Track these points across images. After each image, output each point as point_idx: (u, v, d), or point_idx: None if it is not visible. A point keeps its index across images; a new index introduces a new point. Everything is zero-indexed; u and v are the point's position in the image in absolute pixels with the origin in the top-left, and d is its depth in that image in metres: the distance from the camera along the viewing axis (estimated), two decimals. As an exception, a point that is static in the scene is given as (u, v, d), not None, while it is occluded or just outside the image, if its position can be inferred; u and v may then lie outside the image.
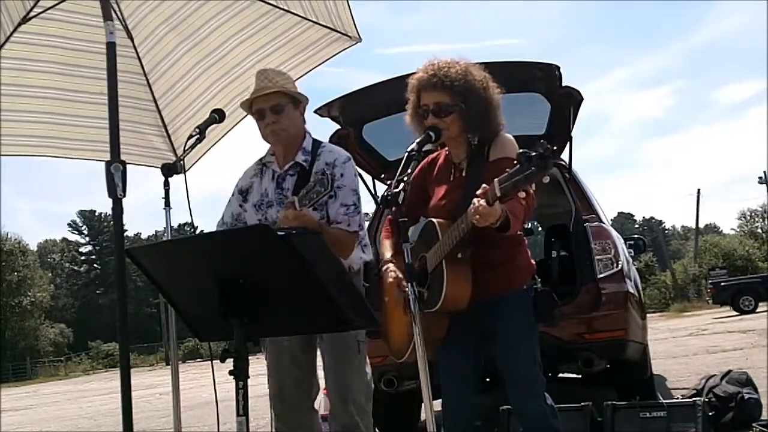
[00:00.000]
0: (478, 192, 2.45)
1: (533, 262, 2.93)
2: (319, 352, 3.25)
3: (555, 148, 5.72)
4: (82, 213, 75.58)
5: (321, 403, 3.31)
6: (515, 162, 2.30)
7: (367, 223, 5.41)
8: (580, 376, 6.03)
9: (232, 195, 3.39)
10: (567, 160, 5.55)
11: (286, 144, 3.23)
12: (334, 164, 3.14)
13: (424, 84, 2.85)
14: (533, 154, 2.24)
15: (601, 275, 4.68)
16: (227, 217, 3.37)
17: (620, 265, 4.74)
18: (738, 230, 58.87)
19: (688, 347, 11.69)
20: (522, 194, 2.35)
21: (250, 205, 3.31)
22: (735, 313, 22.77)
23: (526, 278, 2.83)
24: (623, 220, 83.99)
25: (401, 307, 2.85)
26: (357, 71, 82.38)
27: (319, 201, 2.90)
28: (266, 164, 3.32)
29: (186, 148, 3.30)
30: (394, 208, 2.73)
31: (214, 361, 2.55)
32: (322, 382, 3.30)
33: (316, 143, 3.27)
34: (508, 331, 2.78)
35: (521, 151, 2.29)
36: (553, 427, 2.77)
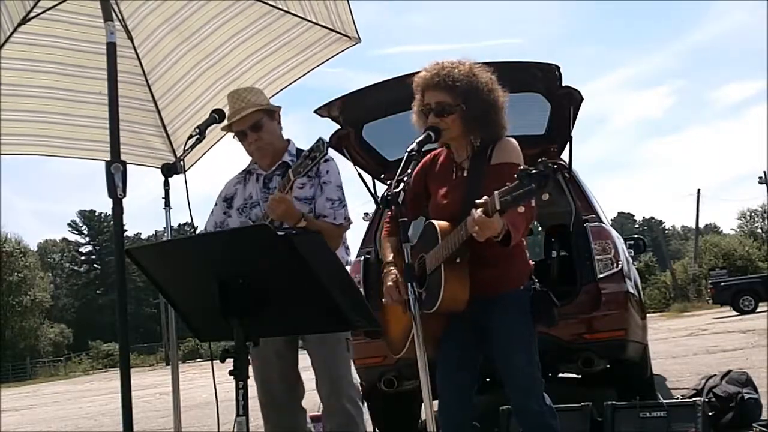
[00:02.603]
0: (478, 201, 2.46)
1: (531, 262, 2.93)
2: (307, 354, 3.28)
3: (555, 148, 5.73)
4: (82, 213, 75.63)
5: (316, 405, 3.32)
6: (516, 177, 2.31)
7: (367, 224, 5.44)
8: (580, 376, 6.03)
9: (215, 205, 3.47)
10: (567, 160, 5.55)
11: (271, 154, 3.35)
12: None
13: (427, 83, 2.86)
14: (533, 171, 2.26)
15: (601, 275, 4.68)
16: (209, 227, 3.44)
17: (620, 265, 4.74)
18: (738, 230, 59.11)
19: (688, 347, 11.69)
20: (521, 209, 2.37)
21: (234, 210, 3.40)
22: (735, 313, 22.78)
23: (524, 278, 2.84)
24: (623, 220, 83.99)
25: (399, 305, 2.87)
26: (357, 71, 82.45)
27: (314, 167, 2.98)
28: (251, 171, 3.43)
29: (186, 148, 3.33)
30: (393, 208, 2.74)
31: (214, 361, 2.56)
32: (307, 384, 3.31)
33: (300, 150, 3.34)
34: (505, 332, 2.79)
35: (522, 168, 2.32)
36: (552, 427, 2.77)
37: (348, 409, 3.12)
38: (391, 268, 2.90)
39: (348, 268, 3.47)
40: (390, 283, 2.85)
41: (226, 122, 3.34)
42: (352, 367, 3.27)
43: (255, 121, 3.27)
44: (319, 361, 3.18)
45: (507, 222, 2.50)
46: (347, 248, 3.37)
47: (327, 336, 3.11)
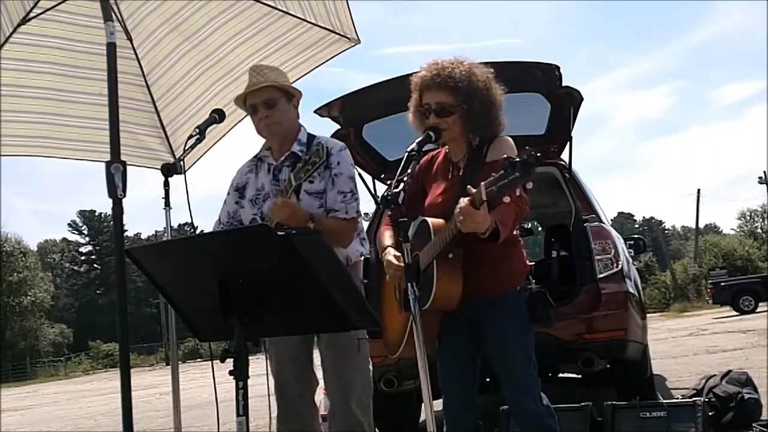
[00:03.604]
0: (468, 189, 2.46)
1: (528, 262, 2.93)
2: (317, 352, 3.25)
3: (555, 148, 5.73)
4: (82, 213, 75.64)
5: (321, 403, 3.30)
6: (501, 167, 2.31)
7: (366, 224, 5.44)
8: (580, 376, 6.03)
9: (228, 194, 3.40)
10: (567, 160, 5.56)
11: (280, 138, 3.24)
12: (330, 152, 3.13)
13: (427, 83, 2.85)
14: (517, 160, 2.26)
15: (601, 275, 4.68)
16: (223, 217, 3.38)
17: (620, 265, 4.74)
18: (738, 230, 59.11)
19: (688, 347, 11.69)
20: (507, 199, 2.35)
21: (247, 201, 3.32)
22: (735, 313, 22.78)
23: (521, 279, 2.83)
24: (623, 220, 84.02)
25: (396, 293, 2.90)
26: (357, 71, 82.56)
27: (315, 172, 2.92)
28: (261, 159, 3.33)
29: (186, 148, 3.30)
30: (393, 208, 2.74)
31: (214, 361, 2.56)
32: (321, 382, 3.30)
33: (311, 136, 3.28)
34: (502, 333, 2.78)
35: (505, 157, 2.31)
36: (550, 427, 2.77)
37: (354, 413, 3.08)
38: (389, 249, 2.90)
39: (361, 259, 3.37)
40: (390, 258, 2.84)
41: (241, 93, 3.23)
42: (369, 365, 3.20)
43: (269, 97, 3.16)
44: (328, 363, 3.13)
45: (495, 219, 2.49)
46: (363, 239, 3.27)
47: (339, 337, 3.05)
